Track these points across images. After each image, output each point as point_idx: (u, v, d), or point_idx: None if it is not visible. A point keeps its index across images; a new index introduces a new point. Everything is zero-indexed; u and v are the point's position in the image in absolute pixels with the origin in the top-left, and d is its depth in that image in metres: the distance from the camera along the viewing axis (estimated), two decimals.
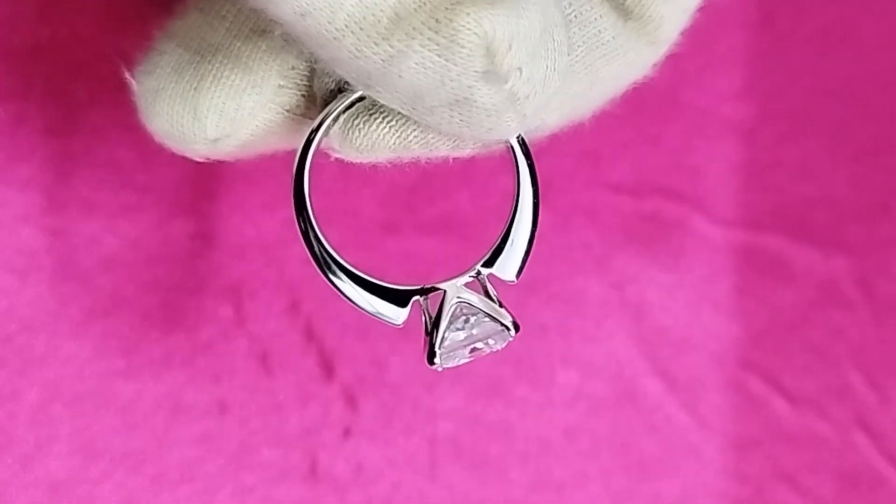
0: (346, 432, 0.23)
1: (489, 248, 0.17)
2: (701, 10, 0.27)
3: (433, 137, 0.16)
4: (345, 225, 0.23)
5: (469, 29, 0.14)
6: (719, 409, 0.25)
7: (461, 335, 0.17)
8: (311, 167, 0.17)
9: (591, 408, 0.24)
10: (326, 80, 0.16)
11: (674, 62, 0.23)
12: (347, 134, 0.16)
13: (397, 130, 0.16)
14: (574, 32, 0.16)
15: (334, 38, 0.14)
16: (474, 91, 0.15)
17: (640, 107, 0.25)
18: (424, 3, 0.14)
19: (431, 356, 0.17)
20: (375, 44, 0.14)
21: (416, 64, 0.14)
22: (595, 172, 0.25)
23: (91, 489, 0.21)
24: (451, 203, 0.24)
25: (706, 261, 0.25)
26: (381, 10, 0.14)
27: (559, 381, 0.24)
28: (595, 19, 0.17)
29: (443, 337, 0.17)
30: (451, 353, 0.17)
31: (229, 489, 0.22)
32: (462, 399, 0.23)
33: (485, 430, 0.24)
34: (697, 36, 0.26)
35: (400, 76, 0.14)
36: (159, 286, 0.22)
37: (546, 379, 0.24)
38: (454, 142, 0.16)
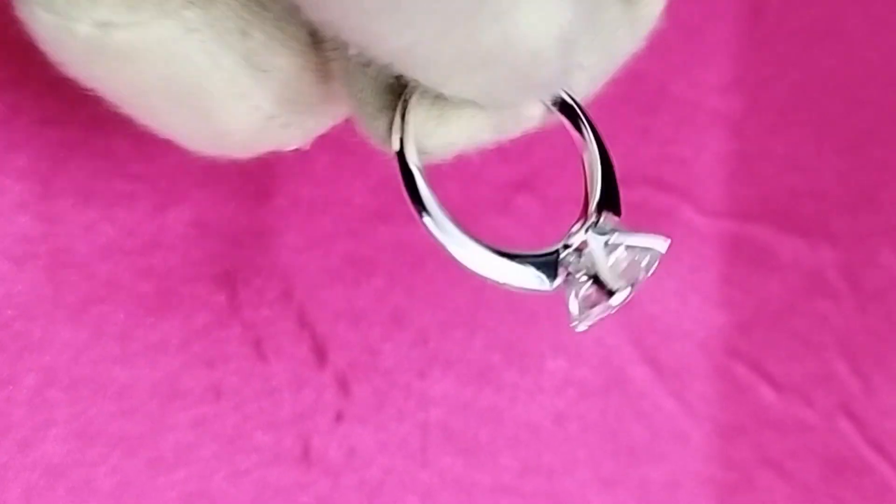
0: (339, 417, 0.23)
1: (583, 202, 0.17)
2: (691, 3, 0.27)
3: (500, 120, 0.16)
4: (336, 213, 0.23)
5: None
6: (706, 396, 0.25)
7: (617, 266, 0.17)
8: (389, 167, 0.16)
9: (579, 394, 0.24)
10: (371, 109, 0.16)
11: (663, 54, 0.24)
12: (418, 141, 0.16)
13: (467, 123, 0.16)
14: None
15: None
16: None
17: (629, 98, 0.25)
18: None
19: (611, 294, 0.16)
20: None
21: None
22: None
23: (87, 472, 0.21)
24: (441, 193, 0.24)
25: (694, 250, 0.25)
26: None
27: (549, 368, 0.24)
28: (608, 7, 0.17)
29: (607, 278, 0.16)
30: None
31: (224, 472, 0.22)
32: (453, 385, 0.24)
33: (475, 416, 0.24)
34: (686, 28, 0.26)
35: None
36: (154, 273, 0.22)
37: (536, 366, 0.24)
38: (519, 117, 0.16)
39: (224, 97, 0.15)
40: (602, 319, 0.17)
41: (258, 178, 0.23)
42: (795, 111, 0.26)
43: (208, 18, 0.14)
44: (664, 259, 0.25)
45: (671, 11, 0.26)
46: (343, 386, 0.23)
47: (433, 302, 0.24)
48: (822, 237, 0.26)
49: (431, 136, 0.16)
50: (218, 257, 0.22)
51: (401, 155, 0.16)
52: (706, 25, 0.26)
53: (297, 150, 0.18)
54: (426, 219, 0.16)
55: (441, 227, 0.16)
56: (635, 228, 0.17)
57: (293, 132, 0.17)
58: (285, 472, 0.23)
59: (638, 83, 0.25)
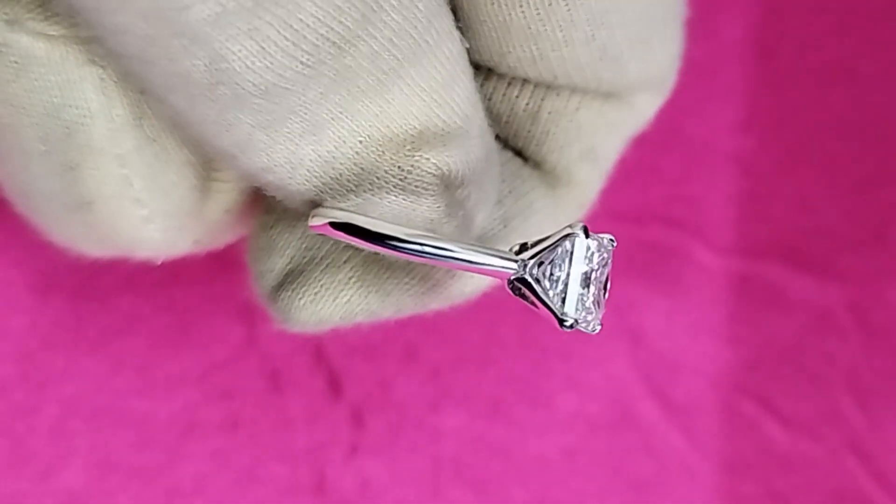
0: (353, 449, 0.23)
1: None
2: (703, 44, 0.28)
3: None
4: None
5: (432, 173, 0.14)
6: (714, 432, 0.26)
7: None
8: None
9: (589, 429, 0.25)
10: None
11: (675, 94, 0.24)
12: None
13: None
14: (510, 206, 0.17)
15: (296, 192, 0.14)
16: (438, 223, 0.15)
17: (643, 138, 0.26)
18: (384, 153, 0.14)
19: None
20: (342, 196, 0.14)
21: (385, 208, 0.14)
22: (598, 200, 0.26)
23: (106, 501, 0.22)
24: None
25: (704, 288, 0.26)
26: (342, 164, 0.14)
27: (559, 403, 0.25)
28: (528, 192, 0.17)
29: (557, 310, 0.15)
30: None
31: (240, 503, 0.23)
32: (465, 419, 0.24)
33: (486, 450, 0.24)
34: (700, 69, 0.26)
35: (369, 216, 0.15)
36: (174, 306, 0.23)
37: (546, 401, 0.25)
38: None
39: (98, 154, 0.15)
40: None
41: None
42: (805, 151, 0.27)
43: (116, 75, 0.15)
44: (674, 295, 0.26)
45: (685, 52, 0.26)
46: (357, 419, 0.24)
47: (445, 338, 0.24)
48: (831, 276, 0.26)
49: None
50: (237, 291, 0.23)
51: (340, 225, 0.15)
52: (719, 66, 0.26)
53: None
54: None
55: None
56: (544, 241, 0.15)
57: (158, 229, 0.16)
58: (299, 502, 0.23)
59: (651, 124, 0.26)
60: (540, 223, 0.17)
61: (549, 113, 0.17)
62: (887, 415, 0.26)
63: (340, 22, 0.13)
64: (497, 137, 0.17)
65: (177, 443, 0.22)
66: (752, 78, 0.27)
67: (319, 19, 0.13)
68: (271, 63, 0.13)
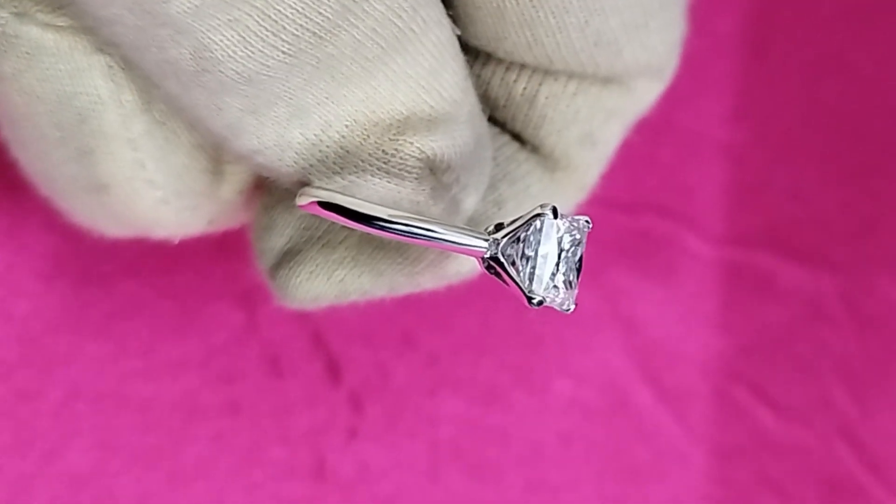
0: (352, 434, 0.24)
1: None
2: (697, 36, 0.28)
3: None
4: None
5: (415, 157, 0.15)
6: (707, 418, 0.26)
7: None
8: None
9: (584, 415, 0.25)
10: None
11: (669, 86, 0.24)
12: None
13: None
14: (504, 189, 0.17)
15: (285, 174, 0.15)
16: (424, 205, 0.15)
17: (637, 128, 0.26)
18: (368, 136, 0.15)
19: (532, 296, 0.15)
20: (328, 177, 0.15)
21: (370, 190, 0.15)
22: (591, 189, 0.26)
23: (110, 483, 0.22)
24: None
25: (696, 276, 0.26)
26: (328, 146, 0.15)
27: (554, 389, 0.25)
28: (523, 176, 0.18)
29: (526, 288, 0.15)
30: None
31: (240, 485, 0.23)
32: (462, 405, 0.25)
33: (483, 435, 0.25)
34: (693, 61, 0.27)
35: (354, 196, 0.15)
36: (177, 292, 0.23)
37: (542, 387, 0.25)
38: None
39: (111, 139, 0.16)
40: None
41: None
42: (798, 142, 0.27)
43: (123, 62, 0.15)
44: (667, 284, 0.26)
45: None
46: (356, 404, 0.24)
47: (443, 325, 0.25)
48: (823, 265, 0.27)
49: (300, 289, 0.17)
50: (237, 278, 0.23)
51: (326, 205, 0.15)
52: (712, 58, 0.27)
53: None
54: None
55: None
56: (515, 223, 0.15)
57: (173, 210, 0.17)
58: (299, 486, 0.23)
59: (644, 114, 0.26)
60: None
61: (547, 97, 0.17)
62: (878, 402, 0.27)
63: (319, 12, 0.13)
64: (494, 121, 0.18)
65: (178, 426, 0.23)
66: (744, 69, 0.27)
67: (298, 10, 0.13)
68: (252, 52, 0.13)
